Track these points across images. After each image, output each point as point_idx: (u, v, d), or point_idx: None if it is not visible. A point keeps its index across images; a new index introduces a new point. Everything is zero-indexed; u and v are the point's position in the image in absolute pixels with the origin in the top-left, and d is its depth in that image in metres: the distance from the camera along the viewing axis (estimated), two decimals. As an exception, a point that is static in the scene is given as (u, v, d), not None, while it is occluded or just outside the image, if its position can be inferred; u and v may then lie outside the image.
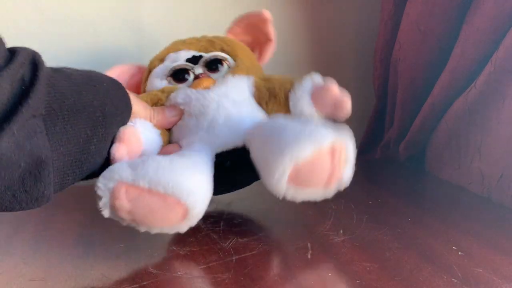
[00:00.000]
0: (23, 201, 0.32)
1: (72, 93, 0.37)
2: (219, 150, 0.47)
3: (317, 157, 0.41)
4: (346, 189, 0.62)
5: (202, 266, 0.41)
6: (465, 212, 0.54)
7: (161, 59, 0.55)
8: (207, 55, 0.53)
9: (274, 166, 0.41)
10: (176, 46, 0.55)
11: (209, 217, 0.52)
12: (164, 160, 0.41)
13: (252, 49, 0.60)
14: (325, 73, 0.83)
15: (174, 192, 0.39)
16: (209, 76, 0.51)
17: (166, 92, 0.50)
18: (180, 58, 0.54)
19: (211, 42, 0.55)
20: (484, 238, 0.46)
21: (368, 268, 0.40)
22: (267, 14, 0.57)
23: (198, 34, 0.74)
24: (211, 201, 0.59)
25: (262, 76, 0.54)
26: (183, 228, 0.41)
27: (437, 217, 0.52)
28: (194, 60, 0.53)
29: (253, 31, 0.59)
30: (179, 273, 0.40)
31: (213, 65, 0.52)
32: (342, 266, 0.41)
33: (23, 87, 0.32)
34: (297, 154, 0.40)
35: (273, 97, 0.50)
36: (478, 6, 0.57)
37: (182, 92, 0.49)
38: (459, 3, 0.61)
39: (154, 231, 0.41)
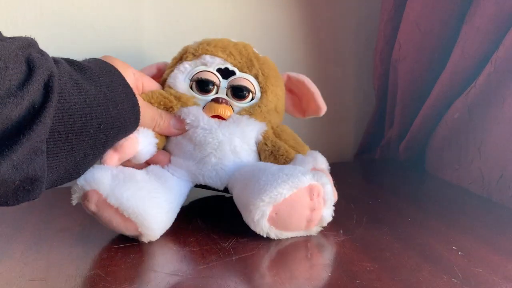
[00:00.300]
0: (13, 204, 0.35)
1: (81, 116, 0.37)
2: (199, 183, 0.50)
3: (296, 197, 0.44)
4: (346, 189, 0.62)
5: (202, 266, 0.41)
6: (465, 212, 0.54)
7: (196, 54, 0.53)
8: (238, 75, 0.52)
9: (253, 207, 0.44)
10: (216, 50, 0.53)
11: (209, 217, 0.52)
12: (143, 188, 0.44)
13: (299, 100, 0.60)
14: (325, 73, 0.83)
15: (136, 221, 0.43)
16: (228, 105, 0.51)
17: (181, 103, 0.50)
18: (213, 65, 0.52)
19: (250, 63, 0.53)
20: (484, 238, 0.46)
21: (368, 268, 0.40)
22: (322, 113, 0.58)
23: (197, 34, 0.74)
24: (211, 201, 0.59)
25: (275, 126, 0.53)
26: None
27: (437, 217, 0.52)
28: (225, 73, 0.52)
29: (301, 99, 0.59)
30: (179, 273, 0.40)
31: (240, 92, 0.51)
32: (342, 266, 0.41)
33: (31, 112, 0.32)
34: (275, 195, 0.43)
35: (273, 157, 0.51)
36: (478, 6, 0.57)
37: (194, 114, 0.49)
38: (459, 3, 0.61)
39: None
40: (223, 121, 0.50)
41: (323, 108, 0.57)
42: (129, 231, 0.44)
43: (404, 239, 0.46)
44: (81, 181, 0.43)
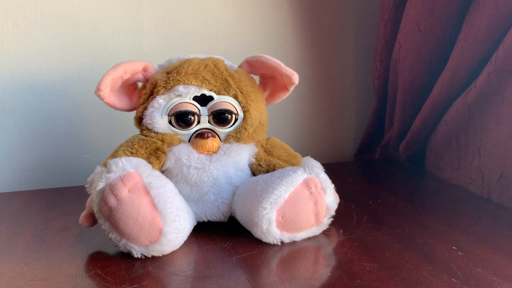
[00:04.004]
0: None
1: None
2: (202, 221, 0.49)
3: (295, 195, 0.44)
4: (346, 189, 0.62)
5: (202, 266, 0.41)
6: (465, 212, 0.54)
7: (168, 87, 0.50)
8: (216, 99, 0.50)
9: (258, 218, 0.44)
10: (188, 79, 0.50)
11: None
12: (178, 194, 0.44)
13: (264, 84, 0.56)
14: (325, 73, 0.83)
15: (166, 221, 0.41)
16: (214, 135, 0.50)
17: (167, 143, 0.49)
18: (188, 94, 0.50)
19: (226, 84, 0.51)
20: (484, 238, 0.46)
21: (368, 268, 0.40)
22: (296, 79, 0.52)
23: (197, 34, 0.74)
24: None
25: (265, 143, 0.52)
26: (138, 252, 0.42)
27: (437, 217, 0.52)
28: (203, 100, 0.50)
29: (275, 77, 0.54)
30: (179, 273, 0.40)
31: (222, 115, 0.50)
32: (342, 266, 0.41)
33: None
34: (275, 199, 0.43)
35: None
36: (478, 7, 0.58)
37: (186, 152, 0.48)
38: (459, 3, 0.61)
39: (117, 240, 0.42)
40: (214, 154, 0.49)
41: (294, 74, 0.51)
42: (148, 233, 0.41)
43: (404, 239, 0.46)
44: (115, 162, 0.42)
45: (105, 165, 0.45)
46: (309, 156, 0.52)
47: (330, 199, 0.46)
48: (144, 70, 0.52)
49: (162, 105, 0.50)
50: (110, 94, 0.49)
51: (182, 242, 0.44)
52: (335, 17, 0.81)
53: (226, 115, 0.50)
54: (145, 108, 0.50)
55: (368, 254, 0.43)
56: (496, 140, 0.58)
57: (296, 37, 0.80)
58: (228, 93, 0.51)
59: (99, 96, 0.48)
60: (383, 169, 0.76)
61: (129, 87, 0.53)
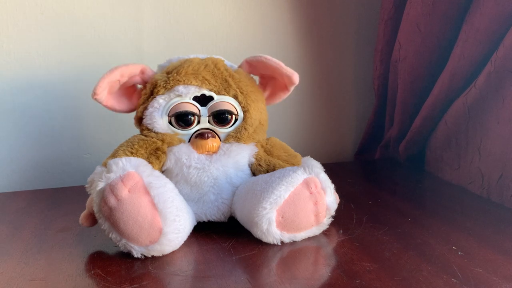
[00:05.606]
0: None
1: None
2: (202, 221, 0.49)
3: (295, 195, 0.44)
4: (346, 189, 0.62)
5: (202, 266, 0.41)
6: (465, 212, 0.54)
7: (168, 87, 0.50)
8: (216, 99, 0.50)
9: (258, 218, 0.44)
10: (188, 79, 0.50)
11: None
12: (178, 194, 0.44)
13: (264, 84, 0.56)
14: (325, 73, 0.83)
15: (166, 221, 0.41)
16: (214, 135, 0.50)
17: (167, 143, 0.49)
18: (188, 94, 0.50)
19: (226, 84, 0.51)
20: (484, 238, 0.46)
21: (368, 268, 0.40)
22: (296, 79, 0.52)
23: (197, 34, 0.74)
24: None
25: (265, 143, 0.52)
26: (138, 252, 0.42)
27: (437, 217, 0.52)
28: (203, 100, 0.50)
29: (275, 77, 0.54)
30: (179, 273, 0.40)
31: (222, 115, 0.50)
32: (342, 266, 0.41)
33: None
34: (275, 199, 0.43)
35: None
36: (478, 7, 0.58)
37: (186, 152, 0.48)
38: (459, 3, 0.61)
39: (117, 240, 0.42)
40: (214, 154, 0.49)
41: (294, 74, 0.51)
42: (148, 233, 0.41)
43: (404, 239, 0.46)
44: (116, 162, 0.42)
45: (105, 165, 0.45)
46: (309, 156, 0.52)
47: (330, 199, 0.46)
48: (142, 72, 0.52)
49: (162, 105, 0.50)
50: (109, 97, 0.50)
51: (182, 242, 0.44)
52: (335, 17, 0.81)
53: (226, 115, 0.50)
54: (145, 108, 0.50)
55: (368, 254, 0.43)
56: (496, 140, 0.58)
57: (296, 37, 0.80)
58: (228, 93, 0.51)
59: (96, 99, 0.48)
60: (383, 169, 0.76)
61: (128, 89, 0.53)
